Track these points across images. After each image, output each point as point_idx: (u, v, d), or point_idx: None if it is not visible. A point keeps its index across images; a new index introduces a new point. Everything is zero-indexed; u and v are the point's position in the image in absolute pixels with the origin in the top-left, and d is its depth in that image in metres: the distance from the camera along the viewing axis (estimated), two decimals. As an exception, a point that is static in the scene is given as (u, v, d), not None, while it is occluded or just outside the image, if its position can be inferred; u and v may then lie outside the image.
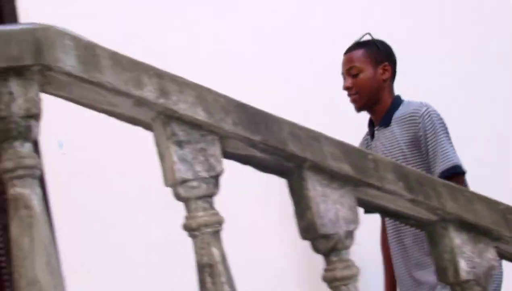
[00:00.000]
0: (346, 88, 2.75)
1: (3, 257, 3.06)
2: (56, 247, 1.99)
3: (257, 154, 1.53)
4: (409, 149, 2.58)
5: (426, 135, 2.54)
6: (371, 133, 2.78)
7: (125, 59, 1.44)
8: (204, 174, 1.45)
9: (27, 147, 1.34)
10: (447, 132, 2.59)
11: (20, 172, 1.31)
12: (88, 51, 1.38)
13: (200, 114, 1.44)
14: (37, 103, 1.34)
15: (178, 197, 1.49)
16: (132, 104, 1.44)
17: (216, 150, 1.48)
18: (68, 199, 3.08)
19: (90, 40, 1.40)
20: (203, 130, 1.46)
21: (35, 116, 1.34)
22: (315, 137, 1.54)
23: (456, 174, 2.49)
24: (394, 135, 2.62)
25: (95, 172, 3.18)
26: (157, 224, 3.12)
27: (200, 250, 1.44)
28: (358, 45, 2.82)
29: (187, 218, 1.46)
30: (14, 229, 1.29)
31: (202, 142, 1.46)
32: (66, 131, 3.11)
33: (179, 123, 1.44)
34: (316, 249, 1.55)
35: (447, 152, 2.50)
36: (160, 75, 1.45)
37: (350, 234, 1.54)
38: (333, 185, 1.54)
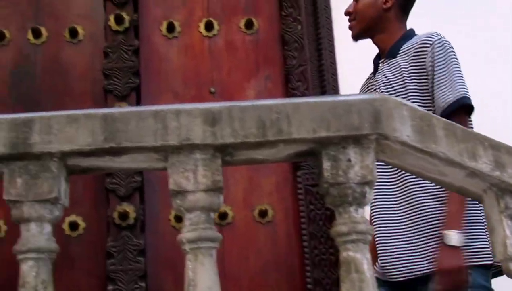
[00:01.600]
0: (347, 13, 2.56)
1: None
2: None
3: None
4: (411, 80, 2.26)
5: (436, 64, 2.20)
6: (375, 67, 2.49)
7: (459, 129, 1.44)
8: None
9: (360, 213, 1.40)
10: (459, 65, 2.21)
11: (354, 237, 1.37)
12: (424, 122, 1.40)
13: (538, 190, 1.38)
14: (372, 170, 1.40)
15: (508, 273, 1.43)
16: (464, 175, 1.43)
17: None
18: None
19: (425, 111, 1.43)
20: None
21: (370, 183, 1.40)
22: None
23: (463, 106, 2.14)
24: (399, 65, 2.31)
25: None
26: None
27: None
28: None
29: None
30: (345, 291, 1.36)
31: (538, 218, 1.39)
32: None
33: (514, 198, 1.39)
34: None
35: (458, 84, 2.15)
36: (495, 146, 1.41)
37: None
38: None
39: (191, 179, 1.41)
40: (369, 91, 2.44)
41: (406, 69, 2.26)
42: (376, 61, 2.48)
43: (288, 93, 3.32)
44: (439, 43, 2.21)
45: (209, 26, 3.43)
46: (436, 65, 2.19)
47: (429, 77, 2.21)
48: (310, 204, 3.21)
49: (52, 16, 3.42)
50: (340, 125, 1.40)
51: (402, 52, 2.33)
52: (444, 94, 2.15)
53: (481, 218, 2.13)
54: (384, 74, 2.35)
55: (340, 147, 1.41)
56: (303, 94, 3.30)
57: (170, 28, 3.42)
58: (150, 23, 3.45)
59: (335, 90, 3.27)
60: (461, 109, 2.15)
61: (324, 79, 3.27)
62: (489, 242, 1.83)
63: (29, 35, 3.39)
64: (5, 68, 3.36)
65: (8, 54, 3.39)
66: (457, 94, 2.14)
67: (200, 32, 3.44)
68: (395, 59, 2.33)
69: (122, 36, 3.25)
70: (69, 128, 1.40)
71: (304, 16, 3.38)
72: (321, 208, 3.21)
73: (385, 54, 2.40)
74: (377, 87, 2.37)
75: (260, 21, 3.47)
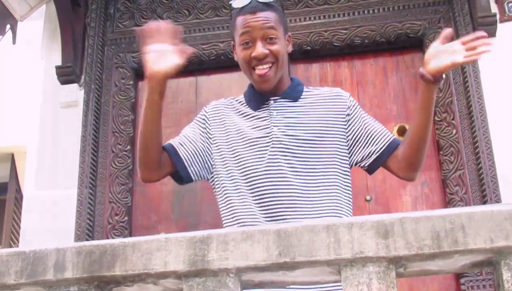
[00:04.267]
0: (263, 56, 2.09)
1: None
2: None
3: None
4: (334, 124, 2.13)
5: (358, 111, 2.17)
6: (254, 103, 2.18)
7: None
8: None
9: (549, 326, 1.32)
10: None
11: None
12: None
13: None
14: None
15: None
16: None
17: None
18: None
19: None
20: None
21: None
22: None
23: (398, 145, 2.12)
24: (314, 109, 2.15)
25: None
26: None
27: None
28: (267, 4, 2.15)
29: None
30: None
31: None
32: None
33: None
34: None
35: (384, 129, 2.15)
36: None
37: None
38: None
39: (366, 292, 1.39)
40: (256, 127, 2.15)
41: (326, 114, 2.15)
42: (258, 98, 2.19)
43: (446, 199, 3.25)
44: (351, 97, 2.22)
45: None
46: (358, 116, 2.16)
47: (346, 124, 2.15)
48: (476, 311, 3.06)
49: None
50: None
51: (308, 97, 2.19)
52: (383, 130, 2.14)
53: None
54: (290, 116, 2.15)
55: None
56: (461, 199, 3.21)
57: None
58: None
59: (496, 193, 3.16)
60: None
61: (484, 183, 3.17)
62: None
63: (189, 153, 3.58)
64: (167, 185, 3.55)
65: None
66: (392, 136, 2.15)
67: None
68: (301, 102, 2.18)
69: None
70: (244, 245, 1.44)
71: (458, 120, 3.34)
72: (487, 315, 3.05)
73: (277, 95, 2.17)
74: (277, 125, 2.13)
75: (413, 127, 3.47)
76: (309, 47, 3.65)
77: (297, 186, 2.05)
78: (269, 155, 2.07)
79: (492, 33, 3.45)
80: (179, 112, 3.73)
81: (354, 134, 2.15)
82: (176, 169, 2.14)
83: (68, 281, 1.51)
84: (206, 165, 2.17)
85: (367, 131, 2.14)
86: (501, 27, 3.46)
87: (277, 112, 2.15)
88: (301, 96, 2.20)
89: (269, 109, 2.17)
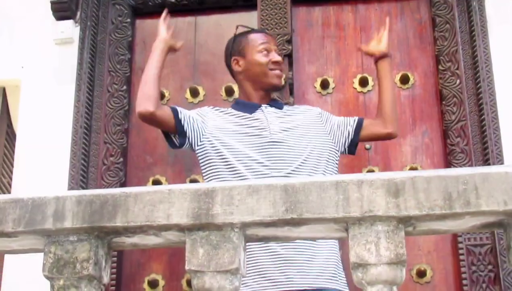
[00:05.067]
0: (281, 61, 2.81)
1: None
2: None
3: None
4: (313, 124, 2.74)
5: (327, 115, 2.83)
6: (249, 109, 2.75)
7: None
8: None
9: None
10: None
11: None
12: None
13: None
14: None
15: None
16: None
17: None
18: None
19: None
20: None
21: None
22: None
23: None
24: (304, 115, 2.77)
25: None
26: None
27: None
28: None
29: None
30: None
31: None
32: None
33: None
34: None
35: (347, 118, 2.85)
36: None
37: None
38: None
39: (373, 251, 1.36)
40: (253, 127, 2.64)
41: (307, 118, 2.74)
42: (252, 105, 2.75)
43: (447, 149, 3.21)
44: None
45: (363, 82, 3.41)
46: (327, 113, 2.83)
47: (323, 122, 2.77)
48: (472, 265, 3.06)
49: (209, 76, 3.54)
50: (534, 197, 1.31)
51: (290, 109, 2.81)
52: (348, 119, 2.81)
53: None
54: (281, 117, 2.71)
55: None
56: (462, 151, 3.17)
57: (324, 84, 3.43)
58: (304, 80, 3.48)
59: (497, 146, 3.12)
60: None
61: (486, 135, 3.13)
62: None
63: (187, 94, 3.52)
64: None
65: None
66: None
67: (355, 88, 3.43)
68: (285, 110, 2.76)
69: (277, 94, 3.29)
70: (250, 199, 1.40)
71: (463, 69, 3.28)
72: (484, 270, 3.05)
73: (267, 103, 2.77)
74: (272, 123, 2.65)
75: (416, 76, 3.41)
76: (312, -10, 3.55)
77: (293, 166, 2.56)
78: (269, 146, 2.58)
79: (500, -19, 3.36)
80: (176, 52, 3.65)
81: (331, 126, 2.76)
82: (173, 118, 2.63)
83: (68, 230, 1.48)
84: (197, 133, 2.64)
85: (339, 121, 2.80)
86: (510, -25, 3.37)
87: (270, 115, 2.70)
88: (283, 108, 2.79)
89: (263, 113, 2.71)
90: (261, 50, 2.76)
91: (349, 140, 2.76)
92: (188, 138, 2.64)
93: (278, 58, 2.77)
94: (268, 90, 2.81)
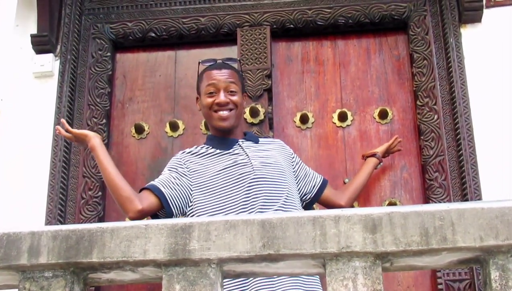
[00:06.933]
0: (225, 103, 2.70)
1: None
2: None
3: None
4: (286, 161, 2.78)
5: (297, 160, 2.87)
6: (226, 145, 2.70)
7: None
8: None
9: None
10: None
11: None
12: None
13: None
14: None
15: None
16: None
17: None
18: None
19: None
20: None
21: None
22: None
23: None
24: (272, 149, 2.76)
25: None
26: None
27: None
28: (230, 66, 2.81)
29: None
30: None
31: None
32: None
33: None
34: None
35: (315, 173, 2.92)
36: None
37: None
38: None
39: (351, 287, 1.36)
40: (237, 164, 2.60)
41: (281, 154, 2.76)
42: (229, 141, 2.70)
43: (426, 184, 3.23)
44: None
45: (343, 117, 3.43)
46: (297, 161, 2.86)
47: (293, 164, 2.82)
48: (452, 300, 3.06)
49: (189, 110, 3.54)
50: (510, 233, 1.32)
51: (265, 143, 2.79)
52: (315, 179, 2.86)
53: None
54: (260, 151, 2.68)
55: (510, 256, 1.33)
56: (441, 186, 3.19)
57: (304, 119, 3.45)
58: (284, 115, 3.50)
59: (475, 181, 3.14)
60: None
61: (464, 170, 3.16)
62: None
63: (166, 128, 3.52)
64: (144, 161, 3.49)
65: (147, 146, 3.52)
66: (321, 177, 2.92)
67: (334, 123, 3.45)
68: (261, 144, 2.75)
69: (257, 128, 3.30)
70: (227, 235, 1.40)
71: (440, 105, 3.31)
72: (463, 305, 3.05)
73: (241, 139, 2.74)
74: (254, 158, 2.62)
75: (394, 111, 3.44)
76: (292, 25, 3.58)
77: (279, 203, 2.55)
78: (254, 182, 2.54)
79: (477, 19, 3.41)
80: (156, 86, 3.66)
81: (299, 171, 2.81)
82: (160, 203, 2.53)
83: (43, 266, 1.46)
84: (185, 199, 2.56)
85: (306, 171, 2.85)
86: (487, 13, 3.43)
87: (249, 150, 2.66)
88: (259, 142, 2.77)
89: (242, 148, 2.67)
90: (207, 91, 2.71)
91: (311, 195, 2.82)
92: (178, 210, 2.55)
93: (221, 99, 2.66)
94: (219, 131, 2.73)
